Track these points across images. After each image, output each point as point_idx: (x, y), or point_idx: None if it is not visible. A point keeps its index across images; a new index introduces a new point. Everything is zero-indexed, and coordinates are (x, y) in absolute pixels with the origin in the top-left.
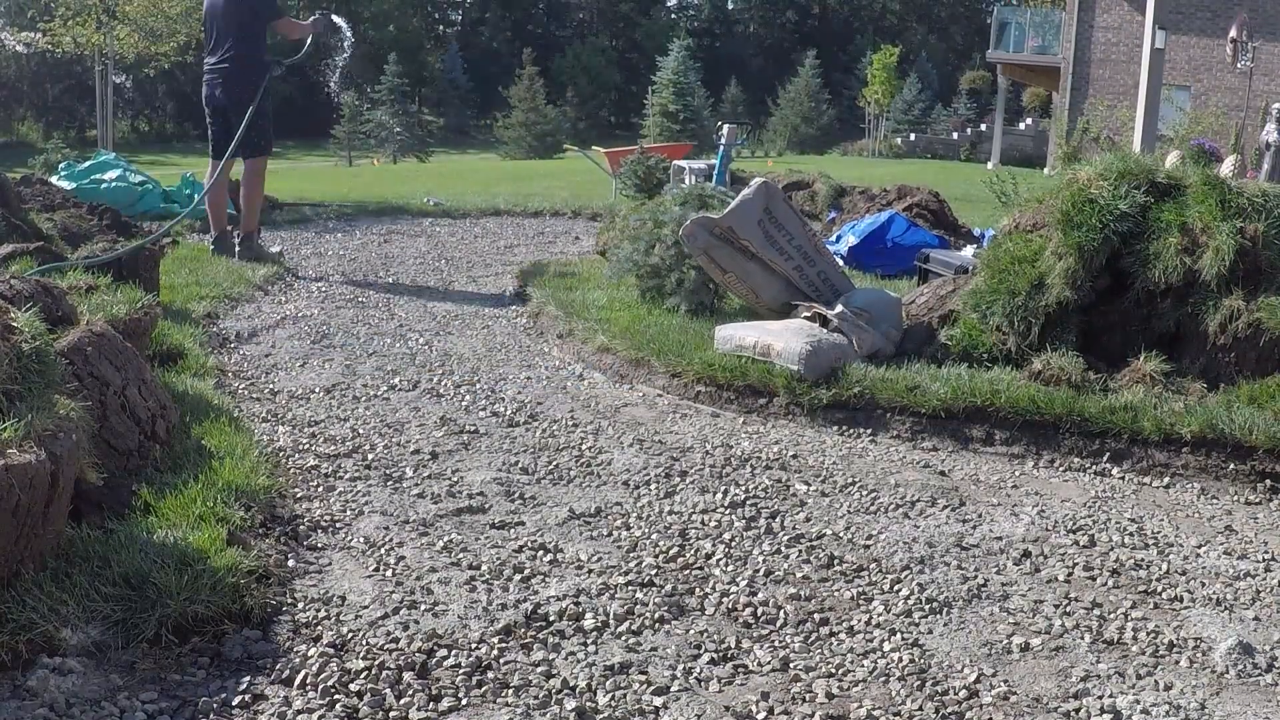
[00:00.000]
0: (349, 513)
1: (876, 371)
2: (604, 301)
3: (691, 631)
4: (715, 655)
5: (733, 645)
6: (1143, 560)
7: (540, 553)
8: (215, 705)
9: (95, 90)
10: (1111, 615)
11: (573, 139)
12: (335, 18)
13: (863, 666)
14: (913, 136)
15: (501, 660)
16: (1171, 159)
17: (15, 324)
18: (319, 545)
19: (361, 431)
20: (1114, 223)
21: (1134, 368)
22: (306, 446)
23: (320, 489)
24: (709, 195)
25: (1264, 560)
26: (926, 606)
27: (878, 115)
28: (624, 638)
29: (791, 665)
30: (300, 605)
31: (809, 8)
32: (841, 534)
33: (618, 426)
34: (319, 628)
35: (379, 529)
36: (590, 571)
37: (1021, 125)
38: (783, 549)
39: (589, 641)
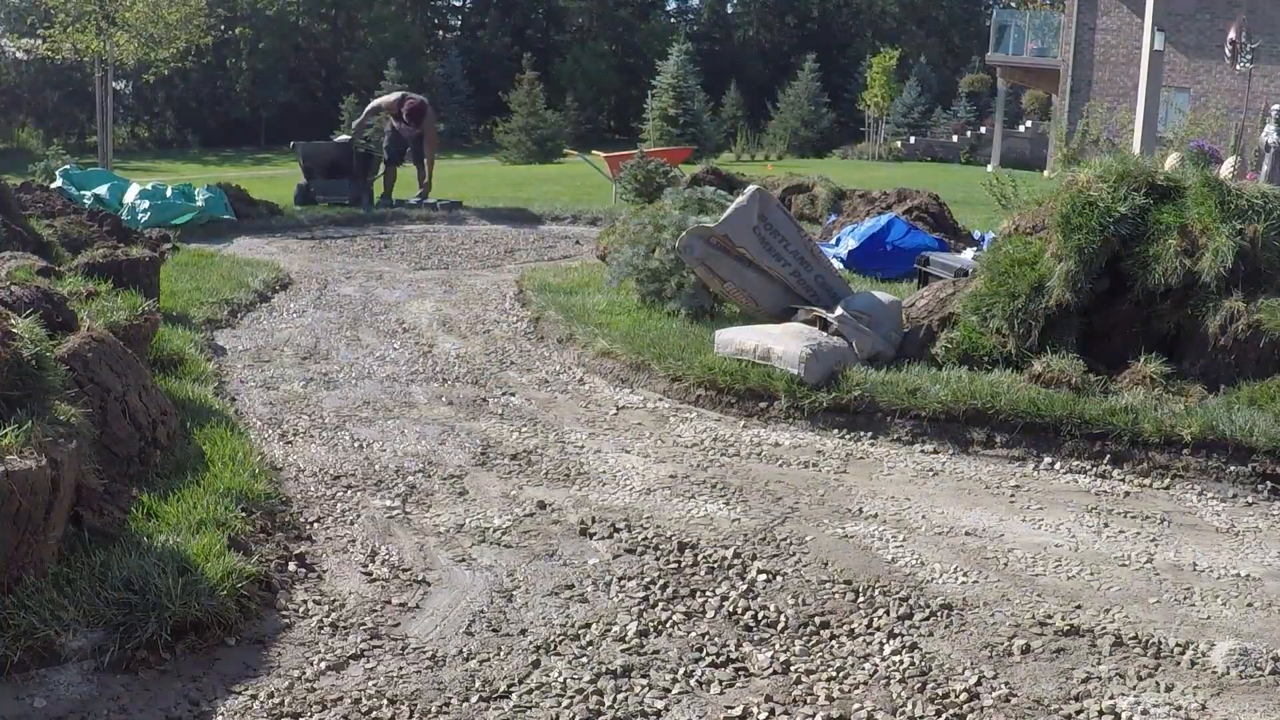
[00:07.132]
0: (349, 517)
1: (877, 374)
2: (604, 306)
3: (693, 635)
4: (717, 658)
5: (734, 648)
6: (1143, 561)
7: (542, 555)
8: (215, 708)
9: (95, 97)
10: (1112, 616)
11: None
12: None
13: (863, 669)
14: (912, 140)
15: (503, 663)
16: (1171, 161)
17: (15, 330)
18: (318, 549)
19: (362, 437)
20: (1114, 225)
21: (1134, 370)
22: (306, 451)
23: (321, 494)
24: (708, 200)
25: (1264, 561)
26: (927, 609)
27: (877, 118)
28: (627, 640)
29: (793, 668)
30: (300, 609)
31: (808, 11)
32: (842, 537)
33: (619, 430)
34: (319, 631)
35: (380, 532)
36: (591, 574)
37: (1021, 128)
38: (783, 552)
39: (591, 644)
